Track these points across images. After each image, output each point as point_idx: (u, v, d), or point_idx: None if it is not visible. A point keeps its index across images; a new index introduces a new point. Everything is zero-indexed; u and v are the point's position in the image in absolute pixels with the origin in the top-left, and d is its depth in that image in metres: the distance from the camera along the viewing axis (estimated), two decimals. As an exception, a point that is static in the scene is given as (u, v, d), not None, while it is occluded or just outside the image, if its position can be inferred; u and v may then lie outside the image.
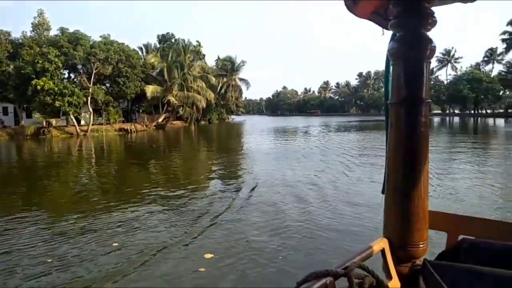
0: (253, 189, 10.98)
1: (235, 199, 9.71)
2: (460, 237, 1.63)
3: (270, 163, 16.67)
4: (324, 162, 16.37)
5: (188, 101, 49.97)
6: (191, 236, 6.85)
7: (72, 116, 37.71)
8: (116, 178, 15.28)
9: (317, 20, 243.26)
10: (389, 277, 1.48)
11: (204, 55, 62.58)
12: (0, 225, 7.89)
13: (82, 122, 41.72)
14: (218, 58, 72.51)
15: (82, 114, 40.84)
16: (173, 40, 61.13)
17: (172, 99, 47.56)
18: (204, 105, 52.29)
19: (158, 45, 60.74)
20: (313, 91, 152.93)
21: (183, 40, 59.21)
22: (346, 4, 1.59)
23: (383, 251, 1.50)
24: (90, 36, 42.33)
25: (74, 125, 38.56)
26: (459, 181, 11.36)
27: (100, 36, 44.05)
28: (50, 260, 5.86)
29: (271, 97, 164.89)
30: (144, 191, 11.25)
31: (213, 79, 56.04)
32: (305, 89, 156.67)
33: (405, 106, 1.50)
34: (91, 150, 27.67)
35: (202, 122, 59.45)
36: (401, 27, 1.51)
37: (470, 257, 1.47)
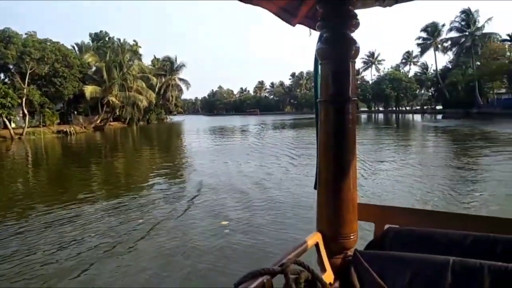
0: (197, 193, 10.75)
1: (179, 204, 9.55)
2: (386, 226, 1.70)
3: (216, 159, 17.88)
4: (263, 156, 18.13)
5: (129, 101, 49.09)
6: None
7: (5, 119, 35.37)
8: (53, 182, 14.76)
9: (251, 22, 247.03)
10: (324, 270, 1.54)
11: (141, 55, 61.55)
12: None
13: (13, 125, 39.13)
14: (154, 57, 71.54)
15: (13, 116, 38.30)
16: (107, 39, 59.27)
17: (113, 99, 46.42)
18: (146, 105, 51.71)
19: (91, 44, 58.40)
20: (248, 91, 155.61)
21: (119, 39, 57.79)
22: (276, 14, 1.66)
23: (317, 245, 1.55)
24: (22, 35, 39.82)
25: (8, 128, 36.16)
26: (386, 164, 13.88)
27: (26, 34, 41.46)
28: None
29: (206, 96, 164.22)
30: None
31: (154, 79, 55.53)
32: (241, 88, 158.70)
33: (333, 104, 1.58)
34: (27, 154, 26.46)
35: (141, 123, 58.36)
36: (327, 28, 1.58)
37: (395, 244, 1.56)
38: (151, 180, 13.53)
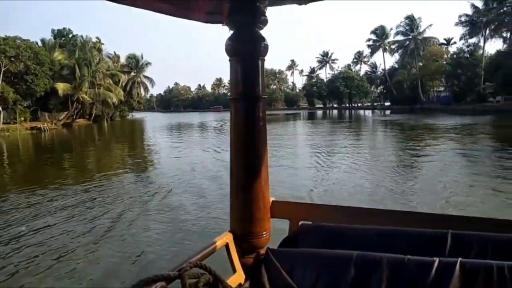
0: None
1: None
2: (301, 223, 1.71)
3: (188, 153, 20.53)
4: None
5: (99, 98, 50.10)
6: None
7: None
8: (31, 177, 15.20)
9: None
10: (234, 270, 1.52)
11: (101, 52, 61.76)
12: None
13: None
14: (115, 54, 71.73)
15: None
16: (70, 36, 59.21)
17: (84, 96, 47.31)
18: (116, 102, 52.87)
19: (53, 41, 58.04)
20: (205, 88, 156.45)
21: (82, 37, 57.95)
22: (179, 15, 1.62)
23: (227, 246, 1.53)
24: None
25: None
26: (340, 154, 17.69)
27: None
28: None
29: (162, 93, 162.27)
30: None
31: (123, 76, 56.60)
32: (199, 85, 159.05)
33: (243, 102, 1.55)
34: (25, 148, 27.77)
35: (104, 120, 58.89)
36: (235, 25, 1.54)
37: (308, 240, 1.59)
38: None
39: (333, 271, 1.38)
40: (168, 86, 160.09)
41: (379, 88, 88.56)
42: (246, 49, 1.55)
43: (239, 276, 1.53)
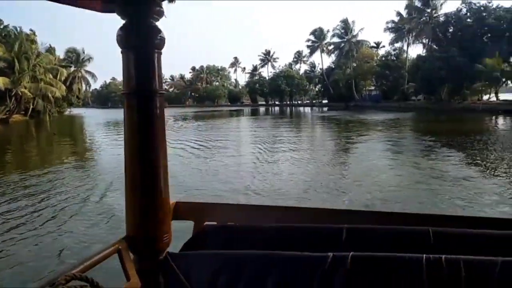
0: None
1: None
2: (205, 224, 1.65)
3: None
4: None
5: (40, 93, 48.38)
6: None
7: None
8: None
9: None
10: (128, 278, 1.43)
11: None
12: None
13: None
14: (50, 46, 68.69)
15: None
16: (1, 27, 55.97)
17: (24, 91, 45.51)
18: (60, 97, 51.33)
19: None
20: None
21: (15, 28, 55.10)
22: (75, 4, 1.51)
23: (119, 252, 1.42)
24: None
25: None
26: (282, 144, 20.63)
27: None
28: None
29: (98, 88, 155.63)
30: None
31: (64, 71, 54.87)
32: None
33: (138, 98, 1.45)
34: None
35: (42, 116, 56.50)
36: (127, 14, 1.44)
37: (212, 242, 1.54)
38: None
39: (232, 272, 1.34)
40: (105, 81, 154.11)
41: (317, 86, 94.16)
42: (140, 41, 1.43)
43: (134, 285, 1.42)
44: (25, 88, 46.36)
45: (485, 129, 25.66)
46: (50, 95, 49.74)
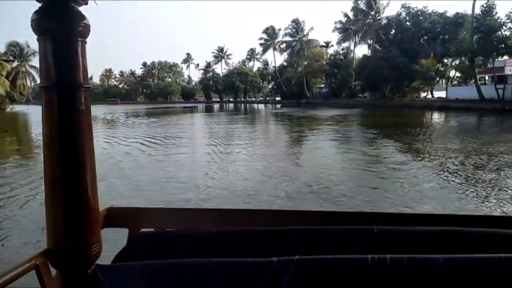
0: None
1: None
2: (141, 231, 1.55)
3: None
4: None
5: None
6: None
7: None
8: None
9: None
10: None
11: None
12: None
13: None
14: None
15: None
16: None
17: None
18: (3, 93, 48.67)
19: None
20: (91, 79, 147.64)
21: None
22: None
23: (37, 268, 1.25)
24: None
25: None
26: (237, 139, 21.93)
27: None
28: None
29: (36, 84, 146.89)
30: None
31: (8, 65, 52.04)
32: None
33: (58, 91, 1.26)
34: None
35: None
36: None
37: (148, 251, 1.43)
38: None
39: (169, 283, 1.25)
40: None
41: (270, 84, 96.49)
42: (59, 27, 1.23)
43: None
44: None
45: (419, 122, 28.59)
46: (-9, 90, 47.12)
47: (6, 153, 18.16)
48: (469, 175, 10.22)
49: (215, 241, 1.44)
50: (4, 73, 53.46)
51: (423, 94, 52.83)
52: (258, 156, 14.37)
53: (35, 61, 65.04)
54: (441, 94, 52.05)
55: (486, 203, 7.71)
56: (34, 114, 57.43)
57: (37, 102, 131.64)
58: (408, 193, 8.50)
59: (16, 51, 62.43)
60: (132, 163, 13.55)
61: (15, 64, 61.78)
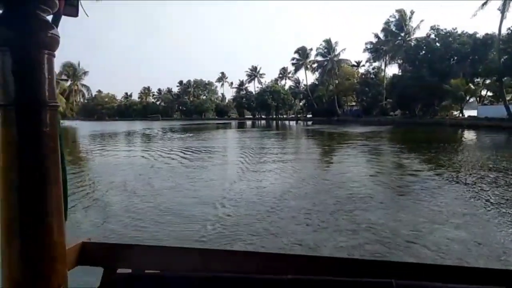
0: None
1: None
2: (118, 271, 1.39)
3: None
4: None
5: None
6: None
7: None
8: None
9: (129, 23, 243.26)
10: None
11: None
12: None
13: None
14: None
15: None
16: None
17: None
18: (62, 110, 54.18)
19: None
20: (131, 96, 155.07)
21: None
22: None
23: None
24: None
25: None
26: (272, 154, 24.48)
27: None
28: None
29: (84, 101, 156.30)
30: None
31: (65, 84, 57.86)
32: (126, 93, 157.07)
33: (17, 111, 1.07)
34: None
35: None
36: (3, 2, 1.10)
37: None
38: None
39: None
40: (91, 94, 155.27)
41: (302, 101, 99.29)
42: (20, 37, 1.06)
43: None
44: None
45: (445, 139, 30.20)
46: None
47: (77, 158, 21.90)
48: (477, 181, 12.38)
49: (201, 287, 1.29)
50: (61, 91, 59.28)
51: (455, 113, 53.80)
52: (290, 166, 17.00)
53: (86, 80, 71.33)
54: (473, 112, 52.86)
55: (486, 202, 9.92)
56: (82, 129, 62.92)
57: (79, 117, 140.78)
58: (419, 190, 10.83)
59: (70, 71, 68.73)
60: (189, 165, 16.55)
61: (68, 83, 68.01)
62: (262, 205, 9.02)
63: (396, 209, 8.75)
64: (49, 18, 1.15)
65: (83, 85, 71.32)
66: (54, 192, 1.14)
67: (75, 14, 1.24)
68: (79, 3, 1.24)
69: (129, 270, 1.39)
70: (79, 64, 70.89)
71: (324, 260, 1.38)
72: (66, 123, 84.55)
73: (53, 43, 1.11)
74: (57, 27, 1.17)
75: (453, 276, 1.24)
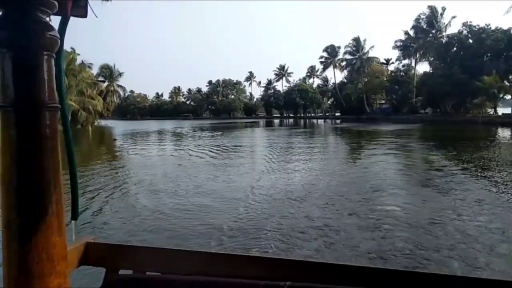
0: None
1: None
2: (120, 272, 1.40)
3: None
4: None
5: (84, 106, 54.48)
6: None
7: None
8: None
9: (167, 24, 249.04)
10: None
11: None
12: None
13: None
14: (82, 62, 75.53)
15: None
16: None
17: (73, 104, 51.58)
18: (100, 110, 57.37)
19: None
20: (162, 96, 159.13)
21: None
22: None
23: None
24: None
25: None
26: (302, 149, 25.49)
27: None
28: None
29: (117, 101, 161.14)
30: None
31: (103, 86, 61.09)
32: (157, 93, 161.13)
33: (17, 112, 1.09)
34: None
35: (79, 126, 62.23)
36: (1, 3, 1.10)
37: None
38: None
39: None
40: (124, 94, 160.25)
41: (330, 99, 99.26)
42: (19, 39, 1.07)
43: None
44: (72, 101, 52.40)
45: (475, 137, 30.21)
46: (91, 107, 55.74)
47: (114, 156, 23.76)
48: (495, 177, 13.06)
49: None
50: (98, 92, 62.60)
51: (488, 111, 52.71)
52: (320, 161, 18.09)
53: (122, 81, 74.59)
54: (508, 110, 51.68)
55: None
56: (117, 128, 66.14)
57: (113, 117, 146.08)
58: (434, 173, 11.70)
59: (107, 72, 72.15)
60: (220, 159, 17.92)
61: (105, 84, 71.45)
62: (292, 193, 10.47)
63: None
64: (57, 19, 1.16)
65: (119, 85, 74.85)
66: (53, 192, 1.14)
67: (84, 14, 1.24)
68: (88, 4, 1.24)
69: (131, 272, 1.41)
70: (114, 66, 74.25)
71: (324, 266, 1.35)
72: (102, 122, 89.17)
73: (53, 44, 1.12)
74: (65, 28, 1.19)
75: (448, 286, 1.20)
